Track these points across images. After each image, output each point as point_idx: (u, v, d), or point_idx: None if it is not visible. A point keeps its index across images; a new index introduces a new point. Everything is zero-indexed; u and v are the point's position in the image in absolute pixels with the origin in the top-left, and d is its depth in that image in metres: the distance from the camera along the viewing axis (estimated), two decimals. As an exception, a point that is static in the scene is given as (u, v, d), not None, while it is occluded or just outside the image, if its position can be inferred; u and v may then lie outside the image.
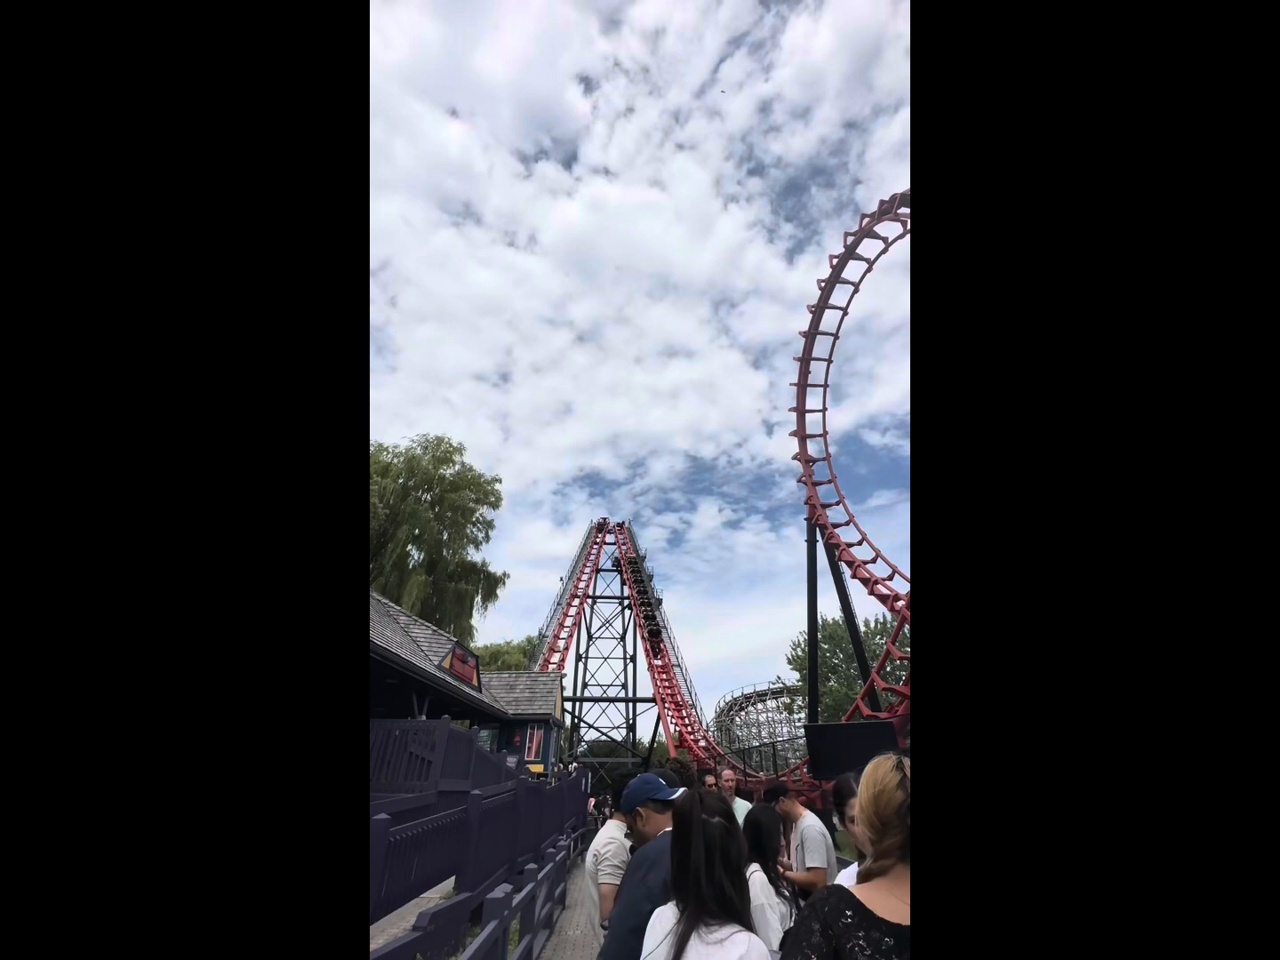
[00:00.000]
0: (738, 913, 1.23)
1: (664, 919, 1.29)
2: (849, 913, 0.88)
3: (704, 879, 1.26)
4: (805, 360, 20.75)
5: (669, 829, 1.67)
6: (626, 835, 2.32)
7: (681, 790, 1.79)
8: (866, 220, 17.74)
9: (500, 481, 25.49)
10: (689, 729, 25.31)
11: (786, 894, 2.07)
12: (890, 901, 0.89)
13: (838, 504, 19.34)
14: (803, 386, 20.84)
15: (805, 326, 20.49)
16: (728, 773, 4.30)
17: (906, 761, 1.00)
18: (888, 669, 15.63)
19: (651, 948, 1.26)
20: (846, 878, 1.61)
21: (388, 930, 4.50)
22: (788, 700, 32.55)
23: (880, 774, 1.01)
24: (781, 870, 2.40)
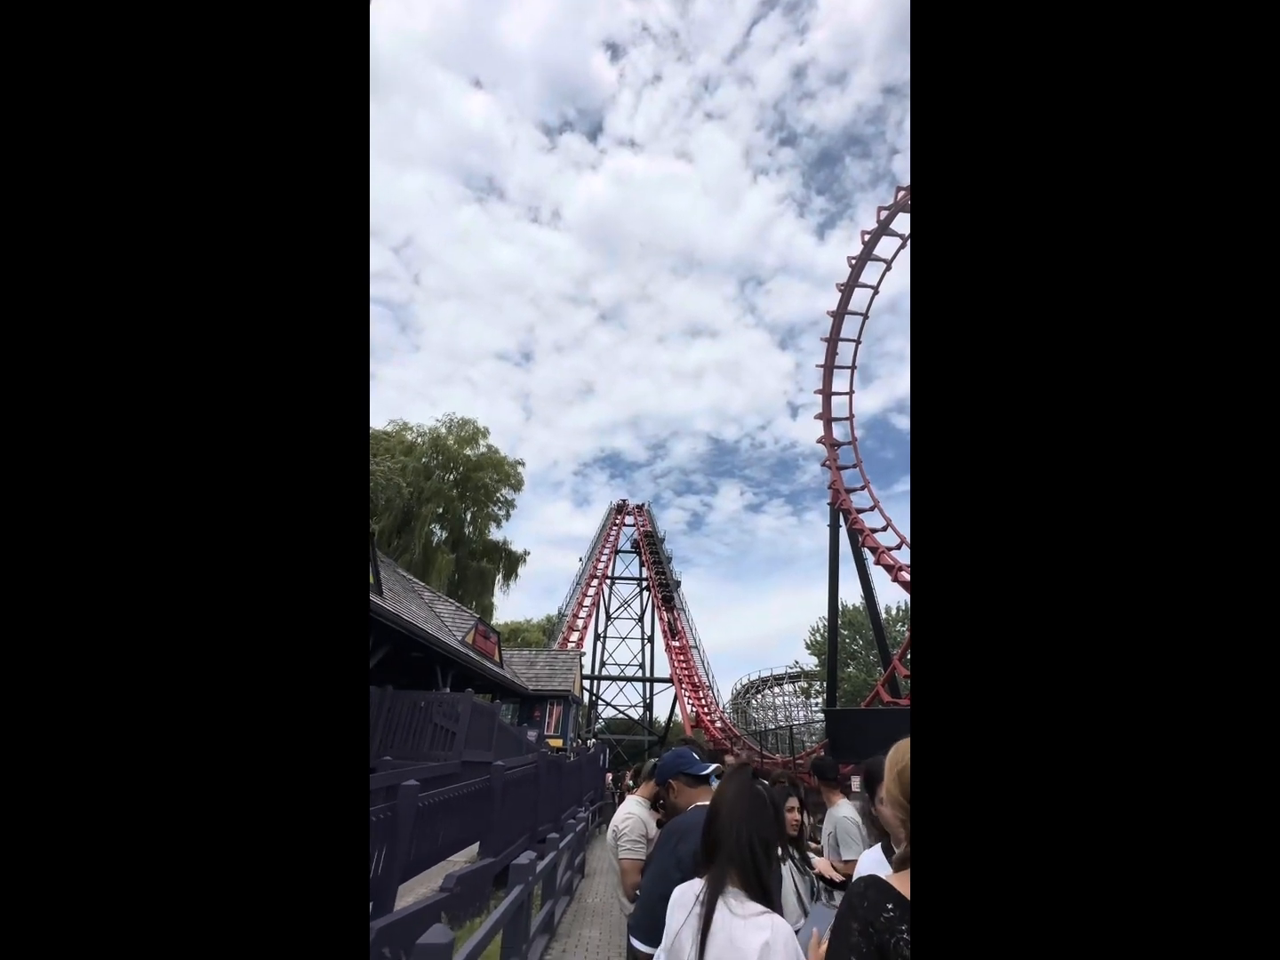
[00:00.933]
0: (766, 890, 1.22)
1: (686, 895, 1.29)
2: (889, 906, 0.84)
3: (739, 837, 1.27)
4: (833, 341, 20.34)
5: (700, 803, 1.71)
6: (657, 806, 2.37)
7: (715, 765, 1.83)
8: (902, 194, 17.19)
9: (523, 465, 25.80)
10: (706, 709, 25.60)
11: (796, 862, 2.14)
12: None
13: (863, 489, 19.10)
14: (829, 368, 20.46)
15: (834, 306, 20.05)
16: (729, 759, 4.03)
17: None
18: (909, 656, 15.49)
19: (676, 925, 1.26)
20: (873, 862, 1.59)
21: (416, 890, 4.70)
22: (805, 685, 32.68)
23: (902, 752, 0.99)
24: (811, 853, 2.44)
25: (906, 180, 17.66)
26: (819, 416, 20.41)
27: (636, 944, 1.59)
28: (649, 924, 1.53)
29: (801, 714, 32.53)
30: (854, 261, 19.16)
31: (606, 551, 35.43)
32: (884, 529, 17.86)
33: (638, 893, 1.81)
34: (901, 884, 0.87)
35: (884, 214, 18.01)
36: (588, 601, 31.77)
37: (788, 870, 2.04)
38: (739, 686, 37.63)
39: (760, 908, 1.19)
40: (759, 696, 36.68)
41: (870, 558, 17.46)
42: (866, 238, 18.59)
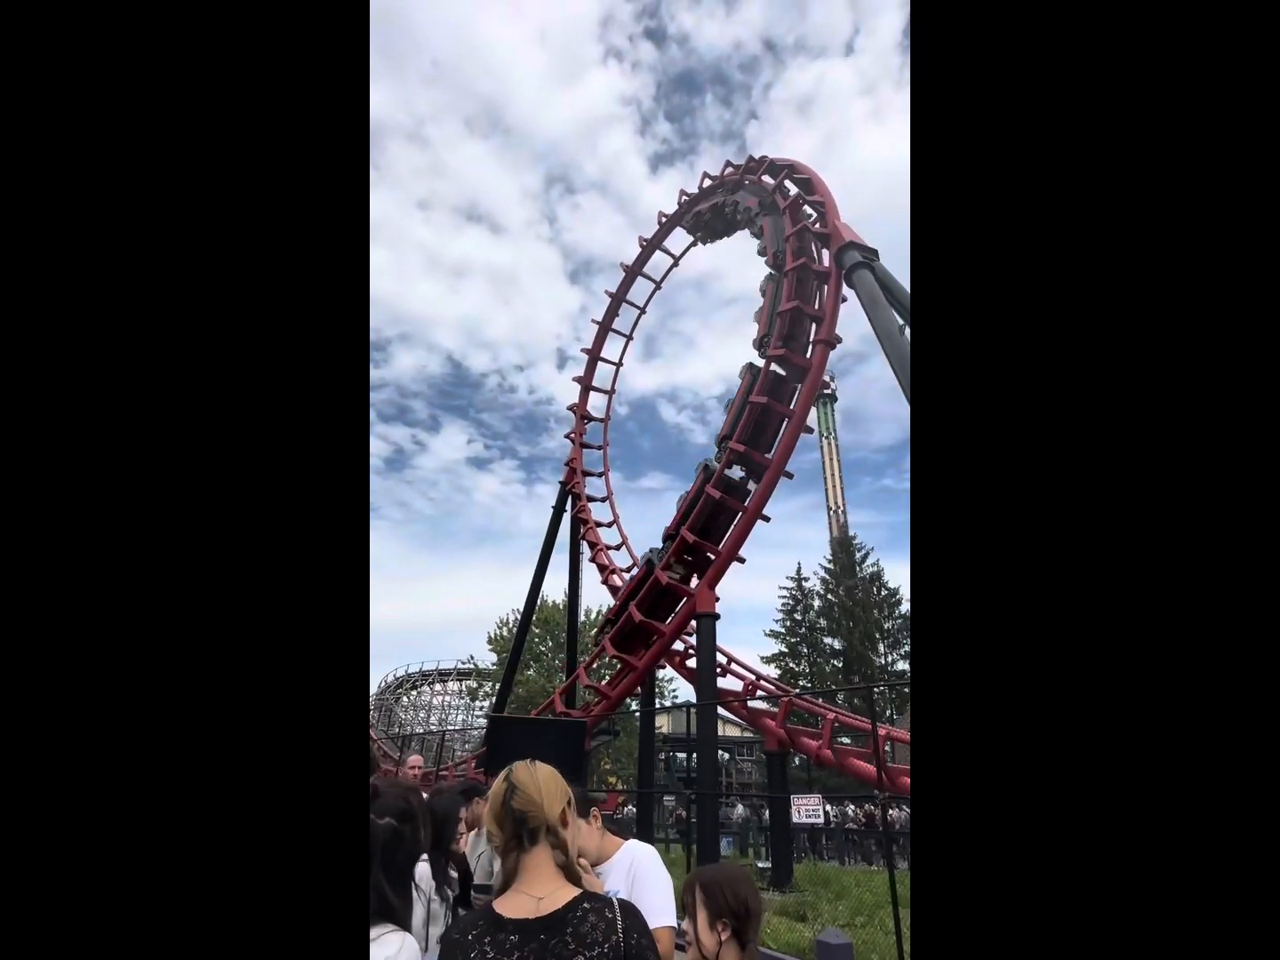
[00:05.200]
0: (394, 912, 1.30)
1: None
2: (480, 922, 1.13)
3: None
4: (618, 299, 19.15)
5: None
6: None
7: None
8: (730, 172, 17.00)
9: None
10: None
11: (450, 892, 2.13)
12: (517, 900, 1.14)
13: (601, 475, 18.30)
14: (606, 328, 19.15)
15: (631, 260, 19.13)
16: (414, 759, 5.16)
17: (519, 767, 1.27)
18: (596, 666, 14.94)
19: None
20: None
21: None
22: (474, 684, 31.02)
23: (497, 782, 1.27)
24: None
25: (756, 150, 17.47)
26: (578, 379, 19.06)
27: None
28: None
29: (462, 717, 30.83)
30: (664, 221, 18.33)
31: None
32: (610, 524, 17.25)
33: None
34: (500, 902, 1.16)
35: (708, 182, 17.36)
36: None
37: (422, 878, 1.97)
38: (390, 680, 34.01)
39: (387, 926, 1.27)
40: (414, 693, 33.82)
41: (587, 552, 16.61)
42: (684, 200, 17.73)
